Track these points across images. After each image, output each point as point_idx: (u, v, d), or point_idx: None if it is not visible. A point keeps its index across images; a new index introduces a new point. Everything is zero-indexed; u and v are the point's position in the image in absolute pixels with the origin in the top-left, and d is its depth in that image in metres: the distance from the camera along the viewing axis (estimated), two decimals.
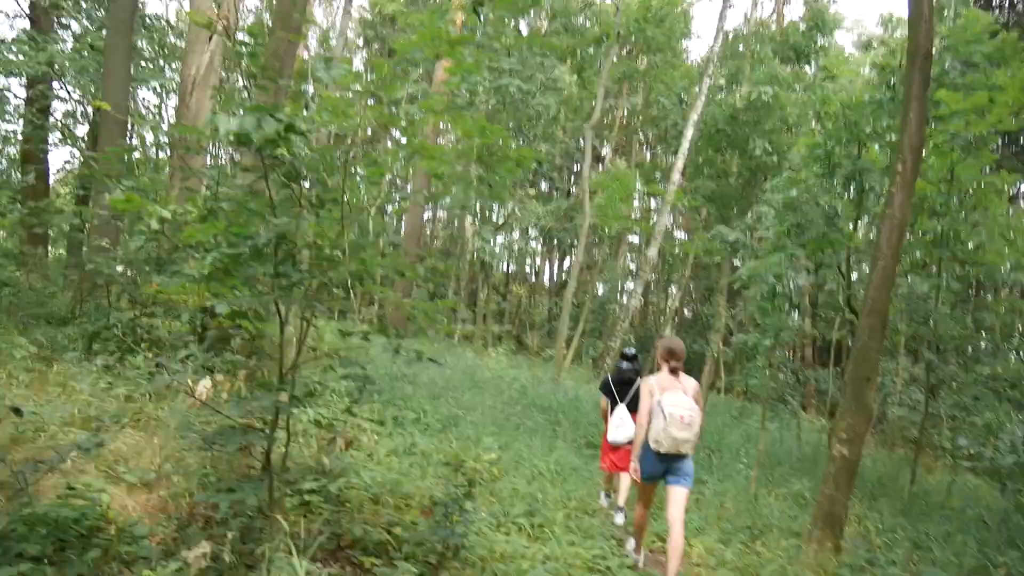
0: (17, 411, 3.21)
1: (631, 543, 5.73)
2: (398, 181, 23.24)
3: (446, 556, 4.30)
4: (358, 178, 4.66)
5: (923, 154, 6.16)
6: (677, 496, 5.06)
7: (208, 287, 4.08)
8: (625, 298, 19.09)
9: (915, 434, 10.51)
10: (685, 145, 15.35)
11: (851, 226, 8.35)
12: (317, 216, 4.17)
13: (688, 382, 5.14)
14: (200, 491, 4.11)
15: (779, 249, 7.73)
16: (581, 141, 18.68)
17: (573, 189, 27.88)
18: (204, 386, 3.86)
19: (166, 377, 3.29)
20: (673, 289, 27.40)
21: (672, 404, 4.91)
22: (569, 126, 23.18)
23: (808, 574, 5.45)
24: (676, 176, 15.45)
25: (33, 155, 13.17)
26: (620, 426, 6.90)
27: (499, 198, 18.33)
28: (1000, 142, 23.07)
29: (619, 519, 6.68)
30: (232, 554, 3.59)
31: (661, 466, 5.05)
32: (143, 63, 15.36)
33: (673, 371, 5.14)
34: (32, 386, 6.33)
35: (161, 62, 16.01)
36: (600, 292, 27.59)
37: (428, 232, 29.05)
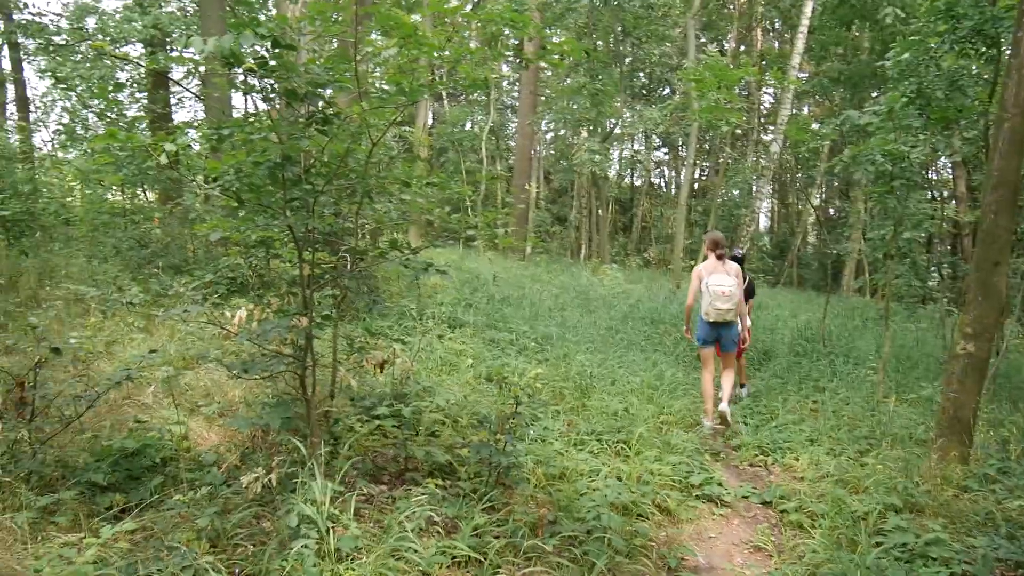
0: (56, 350, 3.37)
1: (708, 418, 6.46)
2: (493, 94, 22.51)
3: (499, 476, 4.22)
4: (378, 90, 4.45)
5: None
6: (727, 358, 6.69)
7: (241, 220, 4.07)
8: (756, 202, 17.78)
9: None
10: (804, 22, 13.75)
11: (989, 91, 7.02)
12: (324, 134, 4.02)
13: (730, 266, 6.50)
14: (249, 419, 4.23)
15: (897, 125, 6.69)
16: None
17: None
18: (240, 316, 3.89)
19: (187, 309, 3.30)
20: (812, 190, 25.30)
21: (716, 283, 6.35)
22: (683, 22, 21.48)
23: (925, 485, 4.86)
24: (796, 59, 13.94)
25: (160, 116, 13.91)
26: None
27: (602, 105, 17.40)
28: None
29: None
30: (279, 478, 3.73)
31: (713, 333, 6.53)
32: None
33: (719, 257, 6.47)
34: (145, 329, 6.87)
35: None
36: (735, 196, 26.01)
37: (537, 150, 28.48)
